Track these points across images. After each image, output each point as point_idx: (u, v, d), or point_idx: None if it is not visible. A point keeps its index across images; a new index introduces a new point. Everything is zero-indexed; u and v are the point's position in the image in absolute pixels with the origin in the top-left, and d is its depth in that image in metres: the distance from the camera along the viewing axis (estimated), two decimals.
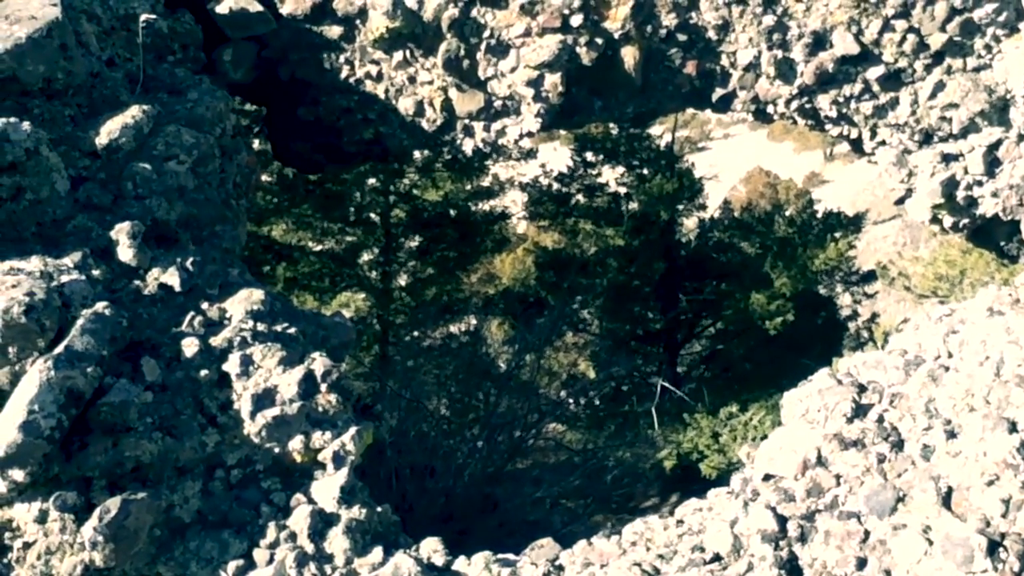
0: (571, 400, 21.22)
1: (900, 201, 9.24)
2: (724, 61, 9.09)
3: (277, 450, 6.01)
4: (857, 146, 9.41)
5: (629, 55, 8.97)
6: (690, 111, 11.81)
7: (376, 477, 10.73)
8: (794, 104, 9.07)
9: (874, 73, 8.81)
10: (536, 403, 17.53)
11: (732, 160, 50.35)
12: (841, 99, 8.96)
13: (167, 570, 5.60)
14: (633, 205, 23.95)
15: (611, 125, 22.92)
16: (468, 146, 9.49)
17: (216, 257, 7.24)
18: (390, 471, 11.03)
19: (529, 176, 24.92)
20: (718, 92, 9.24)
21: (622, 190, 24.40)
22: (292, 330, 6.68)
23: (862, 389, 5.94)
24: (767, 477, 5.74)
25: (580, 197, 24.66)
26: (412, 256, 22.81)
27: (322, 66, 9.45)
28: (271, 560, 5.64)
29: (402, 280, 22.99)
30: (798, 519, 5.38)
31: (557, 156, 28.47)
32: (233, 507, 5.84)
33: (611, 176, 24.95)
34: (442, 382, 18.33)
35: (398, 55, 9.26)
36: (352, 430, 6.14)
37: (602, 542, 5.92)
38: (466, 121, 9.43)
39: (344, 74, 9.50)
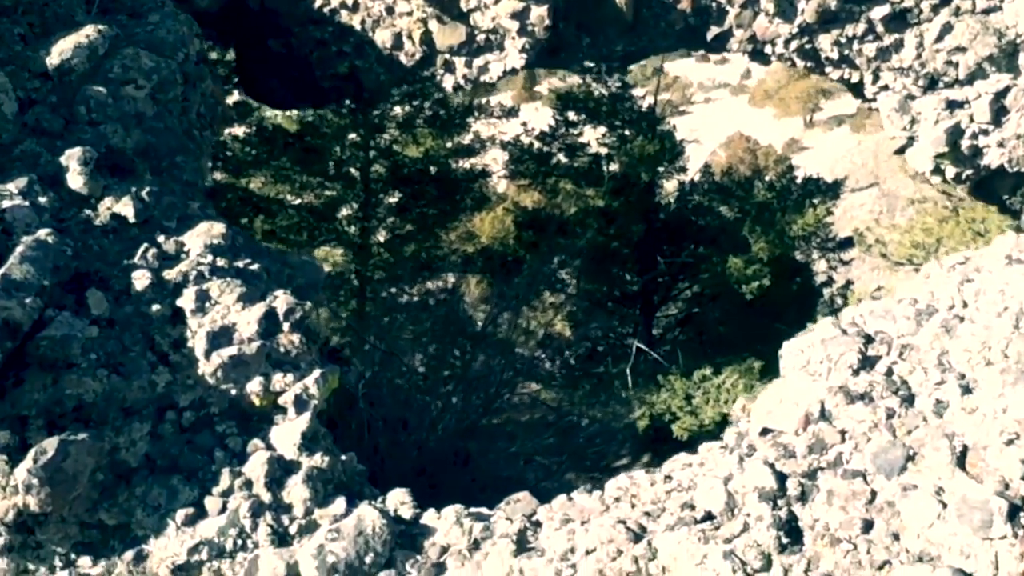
0: (547, 359, 21.05)
1: (901, 151, 8.81)
2: None
3: (234, 392, 5.59)
4: (857, 91, 8.97)
5: None
6: (672, 74, 11.30)
7: (347, 429, 10.34)
8: (793, 44, 8.62)
9: (879, 13, 8.37)
10: (512, 361, 17.23)
11: (713, 125, 50.18)
12: (843, 40, 8.50)
13: (110, 517, 5.21)
14: (614, 166, 23.60)
15: (592, 84, 22.49)
16: (448, 82, 8.98)
17: (176, 189, 6.79)
18: (362, 423, 10.61)
19: (510, 134, 24.51)
20: (713, 30, 8.79)
21: (603, 151, 24.05)
22: (255, 267, 6.23)
23: (869, 340, 5.52)
24: (764, 432, 5.32)
25: (561, 157, 24.31)
26: (391, 212, 22.46)
27: None
28: (224, 508, 5.25)
29: (381, 236, 22.67)
30: (799, 477, 4.96)
31: (539, 115, 28.11)
32: (184, 452, 5.44)
33: (592, 136, 24.60)
34: (418, 337, 18.06)
35: None
36: (316, 373, 5.72)
37: (583, 497, 5.50)
38: (447, 56, 8.93)
39: (318, 3, 8.98)
